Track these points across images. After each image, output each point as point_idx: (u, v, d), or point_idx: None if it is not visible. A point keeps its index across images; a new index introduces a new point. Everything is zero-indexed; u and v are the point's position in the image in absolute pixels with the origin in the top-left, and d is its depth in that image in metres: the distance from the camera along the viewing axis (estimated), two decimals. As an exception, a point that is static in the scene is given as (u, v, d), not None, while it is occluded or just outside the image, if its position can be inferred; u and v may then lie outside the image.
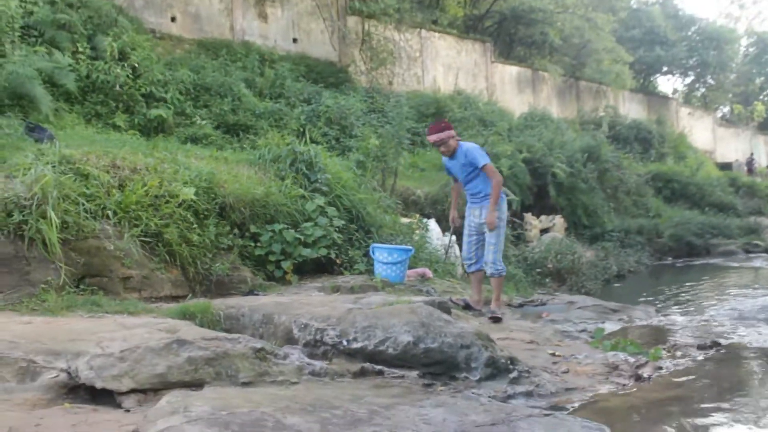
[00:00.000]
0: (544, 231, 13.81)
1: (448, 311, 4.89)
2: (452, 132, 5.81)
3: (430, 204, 10.74)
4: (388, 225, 7.70)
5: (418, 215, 9.27)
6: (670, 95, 33.88)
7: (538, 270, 10.35)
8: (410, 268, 7.09)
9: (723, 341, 5.18)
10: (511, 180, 13.13)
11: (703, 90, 36.32)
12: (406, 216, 9.29)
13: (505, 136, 15.77)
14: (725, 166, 29.13)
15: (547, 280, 10.30)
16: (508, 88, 21.64)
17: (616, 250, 13.63)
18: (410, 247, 6.73)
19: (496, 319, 5.59)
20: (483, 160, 5.81)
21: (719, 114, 37.52)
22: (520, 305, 6.93)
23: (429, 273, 7.11)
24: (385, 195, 8.88)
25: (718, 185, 22.41)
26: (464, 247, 5.93)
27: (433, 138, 5.77)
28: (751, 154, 33.28)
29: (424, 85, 18.08)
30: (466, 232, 5.92)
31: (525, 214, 13.51)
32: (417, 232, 8.44)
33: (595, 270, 11.50)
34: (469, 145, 5.94)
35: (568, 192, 14.76)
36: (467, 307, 5.84)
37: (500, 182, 5.78)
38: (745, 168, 30.56)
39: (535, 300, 7.17)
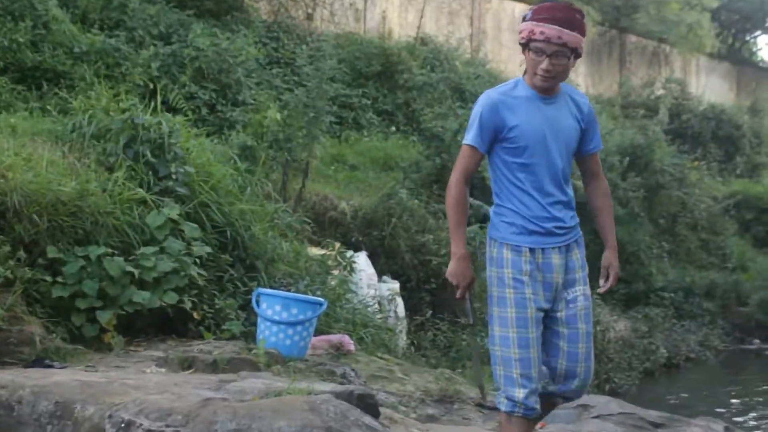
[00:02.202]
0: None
1: (374, 411, 4.99)
2: None
3: (361, 226, 11.11)
4: (287, 258, 8.02)
5: (338, 244, 9.59)
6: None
7: (471, 324, 10.72)
8: (319, 333, 7.36)
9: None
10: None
11: None
12: (318, 244, 9.57)
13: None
14: None
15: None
16: (507, 39, 22.27)
17: (669, 321, 14.27)
18: (321, 299, 7.01)
19: None
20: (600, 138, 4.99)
21: None
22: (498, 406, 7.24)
23: (350, 344, 7.43)
24: (285, 207, 9.18)
25: None
26: (536, 353, 4.61)
27: (568, 37, 4.57)
28: None
29: (365, 26, 18.55)
30: (534, 318, 4.61)
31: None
32: (335, 272, 8.77)
33: (631, 354, 12.11)
34: (576, 90, 5.02)
35: (593, 219, 15.31)
36: None
37: (609, 192, 5.04)
38: None
39: (526, 398, 7.46)
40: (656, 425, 6.81)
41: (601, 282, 4.77)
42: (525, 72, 4.74)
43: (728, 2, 29.61)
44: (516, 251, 4.55)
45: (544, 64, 4.57)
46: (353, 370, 6.64)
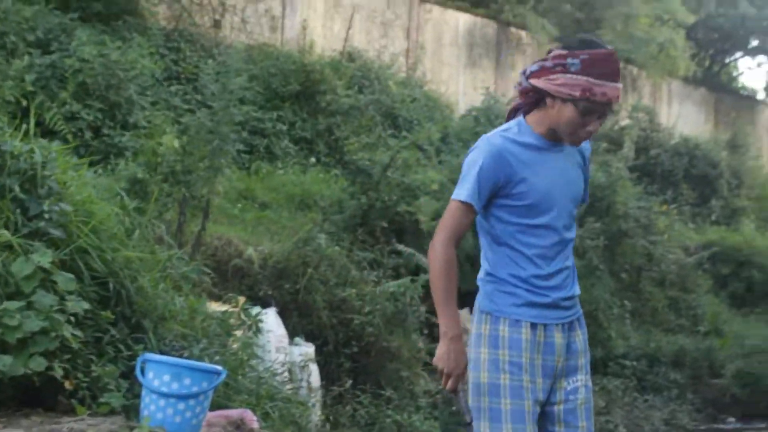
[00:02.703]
0: (492, 345, 14.19)
1: None
2: None
3: (271, 277, 10.96)
4: (181, 316, 7.82)
5: (243, 299, 9.43)
6: (761, 96, 35.40)
7: (469, 423, 10.63)
8: (216, 407, 7.16)
9: None
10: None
11: None
12: (219, 299, 9.43)
13: (432, 153, 16.19)
14: None
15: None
16: (449, 55, 22.38)
17: (630, 395, 14.20)
18: (219, 368, 6.85)
19: None
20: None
21: None
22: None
23: (252, 420, 7.23)
24: (181, 254, 8.99)
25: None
26: None
27: (620, 94, 4.55)
28: None
29: (283, 37, 18.53)
30: (531, 413, 4.49)
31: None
32: (238, 333, 8.58)
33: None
34: None
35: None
36: None
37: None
38: None
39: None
40: None
41: None
42: (523, 112, 4.58)
43: (706, 18, 29.97)
44: (515, 327, 4.42)
45: (593, 126, 4.46)
46: None
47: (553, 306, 4.46)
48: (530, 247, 4.44)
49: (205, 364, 6.89)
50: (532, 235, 4.45)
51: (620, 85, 4.42)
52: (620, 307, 16.44)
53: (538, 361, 4.40)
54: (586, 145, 4.69)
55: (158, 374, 6.49)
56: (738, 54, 33.94)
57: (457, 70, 22.25)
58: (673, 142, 24.70)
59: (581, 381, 4.50)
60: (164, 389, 6.44)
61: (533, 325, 4.41)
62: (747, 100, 32.79)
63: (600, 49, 4.43)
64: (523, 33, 23.52)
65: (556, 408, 4.43)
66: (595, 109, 4.38)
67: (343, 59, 18.55)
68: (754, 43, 32.98)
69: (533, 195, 4.42)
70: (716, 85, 31.11)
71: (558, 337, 4.46)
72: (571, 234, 4.58)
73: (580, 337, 4.59)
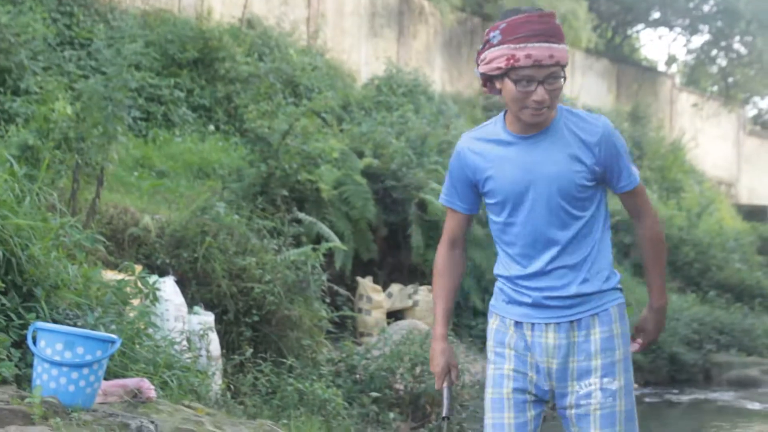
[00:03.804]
0: (395, 314, 14.19)
1: None
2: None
3: (168, 246, 10.84)
4: (75, 285, 7.73)
5: (140, 268, 9.31)
6: (662, 68, 35.91)
7: (376, 393, 10.65)
8: (113, 377, 7.11)
9: None
10: (338, 211, 13.44)
11: (724, 63, 38.29)
12: (115, 268, 9.33)
13: (333, 121, 16.16)
14: (754, 213, 31.23)
15: (392, 414, 10.64)
16: (350, 25, 22.38)
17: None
18: (114, 336, 6.77)
19: None
20: (636, 170, 4.53)
21: (751, 112, 40.07)
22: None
23: (150, 389, 7.17)
24: (74, 222, 8.86)
25: (737, 249, 24.27)
26: None
27: (559, 53, 4.25)
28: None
29: (180, 3, 18.33)
30: (511, 400, 4.41)
31: (359, 279, 13.88)
32: (135, 302, 8.49)
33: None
34: (590, 112, 4.57)
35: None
36: None
37: (659, 238, 4.60)
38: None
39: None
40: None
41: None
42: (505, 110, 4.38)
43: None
44: (502, 323, 4.38)
45: (538, 94, 4.20)
46: (152, 422, 6.40)
47: (538, 306, 4.31)
48: (510, 245, 4.36)
49: (99, 333, 6.80)
50: (510, 234, 4.35)
51: (549, 45, 4.18)
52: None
53: (530, 358, 4.31)
54: (589, 126, 4.33)
55: (50, 343, 6.40)
56: (640, 26, 34.42)
57: (359, 39, 22.23)
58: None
59: (595, 385, 4.25)
60: (57, 358, 6.35)
61: (518, 323, 4.33)
62: (649, 72, 33.23)
63: (519, 15, 4.22)
64: (425, 2, 23.56)
65: (568, 412, 4.30)
66: (528, 75, 4.16)
67: (242, 26, 18.42)
68: (656, 15, 33.53)
69: (501, 192, 4.30)
70: (618, 56, 31.52)
71: (549, 338, 4.28)
72: (565, 231, 4.31)
73: (598, 335, 4.32)
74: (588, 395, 4.24)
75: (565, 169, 4.27)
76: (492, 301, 4.47)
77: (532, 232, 4.30)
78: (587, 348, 4.27)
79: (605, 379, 4.25)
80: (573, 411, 4.27)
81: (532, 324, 4.29)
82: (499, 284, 4.42)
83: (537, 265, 4.31)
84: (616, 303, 4.43)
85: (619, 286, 4.49)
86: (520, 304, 4.32)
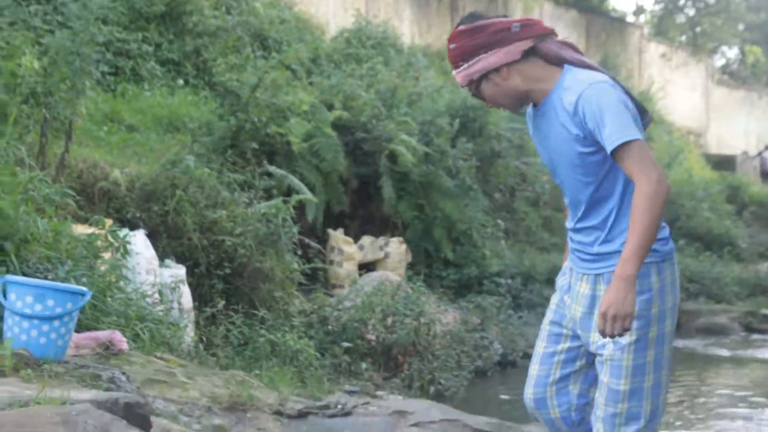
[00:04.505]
0: (366, 266, 14.38)
1: (144, 423, 4.98)
2: (511, 48, 4.46)
3: (139, 200, 10.85)
4: (45, 239, 7.77)
5: (110, 221, 9.33)
6: (630, 18, 35.96)
7: (348, 344, 10.76)
8: (85, 329, 7.15)
9: None
10: (309, 163, 13.48)
11: (692, 13, 38.36)
12: (85, 221, 9.33)
13: (303, 74, 16.13)
14: (722, 162, 31.59)
15: (365, 364, 10.79)
16: (318, -22, 22.20)
17: (505, 312, 14.37)
18: (84, 289, 6.80)
19: None
20: (624, 128, 4.27)
21: (719, 62, 40.18)
22: (302, 414, 7.19)
23: (122, 341, 7.23)
24: (43, 176, 8.88)
25: (706, 198, 24.46)
26: (537, 371, 4.79)
27: (464, 72, 4.55)
28: (770, 142, 35.63)
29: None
30: (546, 331, 4.79)
31: (330, 232, 13.97)
32: (106, 256, 8.54)
33: (460, 350, 12.14)
34: (584, 77, 4.43)
35: (418, 193, 15.49)
36: None
37: (659, 194, 4.22)
38: (758, 167, 33.02)
39: (333, 405, 7.42)
40: (486, 434, 6.94)
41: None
42: None
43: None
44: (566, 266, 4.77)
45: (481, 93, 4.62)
46: (124, 373, 6.43)
47: (577, 258, 4.61)
48: (566, 200, 4.69)
49: (69, 285, 6.83)
50: (562, 192, 4.72)
51: (456, 72, 4.54)
52: (494, 226, 16.57)
53: (568, 300, 4.65)
54: (568, 97, 4.37)
55: (20, 296, 6.43)
56: (609, -23, 34.39)
57: (327, -9, 22.17)
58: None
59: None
60: (27, 311, 6.38)
61: (570, 269, 4.68)
62: (617, 23, 33.36)
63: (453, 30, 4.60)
64: (393, -46, 23.51)
65: (596, 359, 4.52)
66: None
67: (209, -20, 18.32)
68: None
69: (543, 157, 4.68)
70: (587, 7, 31.52)
71: (583, 287, 4.53)
72: (584, 194, 4.47)
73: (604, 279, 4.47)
74: (603, 346, 4.41)
75: (561, 139, 4.46)
76: None
77: (568, 193, 4.60)
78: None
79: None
80: (596, 359, 4.51)
81: (573, 272, 4.62)
82: None
83: (574, 221, 4.61)
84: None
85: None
86: (572, 251, 4.64)
